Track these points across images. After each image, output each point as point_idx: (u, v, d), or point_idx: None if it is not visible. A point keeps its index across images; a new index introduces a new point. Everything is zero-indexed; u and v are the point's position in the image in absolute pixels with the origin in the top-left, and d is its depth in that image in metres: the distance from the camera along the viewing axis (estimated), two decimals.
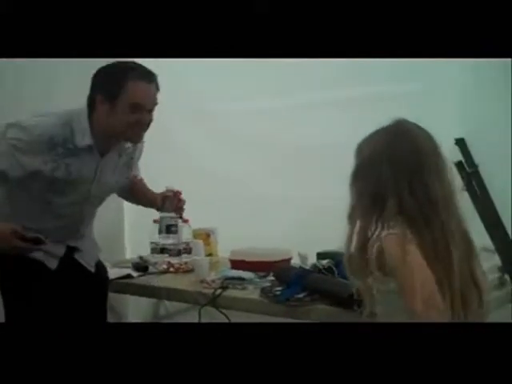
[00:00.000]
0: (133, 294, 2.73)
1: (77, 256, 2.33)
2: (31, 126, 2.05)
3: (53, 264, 2.25)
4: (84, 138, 2.09)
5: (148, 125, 2.14)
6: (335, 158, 2.43)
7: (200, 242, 2.89)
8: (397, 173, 1.52)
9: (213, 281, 2.44)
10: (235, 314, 2.31)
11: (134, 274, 2.72)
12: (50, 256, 2.24)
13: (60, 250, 2.28)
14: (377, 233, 1.55)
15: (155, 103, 2.13)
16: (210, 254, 2.92)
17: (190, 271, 2.72)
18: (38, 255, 2.19)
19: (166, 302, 3.11)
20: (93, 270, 2.38)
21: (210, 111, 3.20)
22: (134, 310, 3.27)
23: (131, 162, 2.33)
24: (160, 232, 2.37)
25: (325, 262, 2.28)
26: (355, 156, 1.64)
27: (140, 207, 3.33)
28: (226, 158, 3.13)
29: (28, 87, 2.78)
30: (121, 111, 2.06)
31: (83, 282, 2.34)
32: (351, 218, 1.59)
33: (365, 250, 1.55)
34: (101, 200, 2.34)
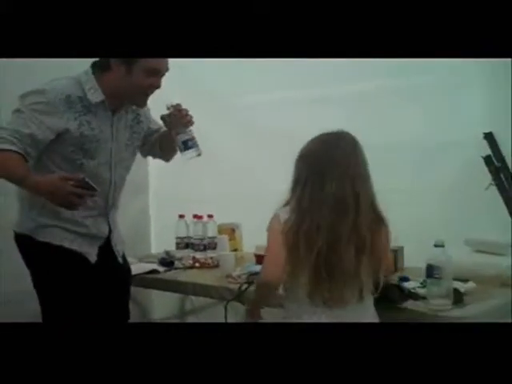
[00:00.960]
0: (159, 289, 2.74)
1: (112, 242, 2.34)
2: (47, 88, 2.13)
3: (92, 257, 2.27)
4: (96, 95, 2.18)
5: (157, 88, 2.24)
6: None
7: (225, 237, 2.90)
8: (307, 171, 1.87)
9: (238, 276, 2.44)
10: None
11: (160, 268, 2.74)
12: (92, 242, 2.27)
13: (104, 228, 2.31)
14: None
15: (168, 68, 2.22)
16: (234, 249, 2.93)
17: (215, 266, 2.73)
18: (79, 247, 2.23)
19: (192, 297, 3.12)
20: (121, 261, 2.40)
21: (231, 106, 3.20)
22: (159, 305, 3.29)
23: (139, 117, 2.39)
24: (181, 151, 2.32)
25: None
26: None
27: (165, 202, 3.39)
28: (250, 152, 3.13)
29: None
30: (136, 75, 2.16)
31: (113, 275, 2.35)
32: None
33: None
34: (126, 162, 2.36)
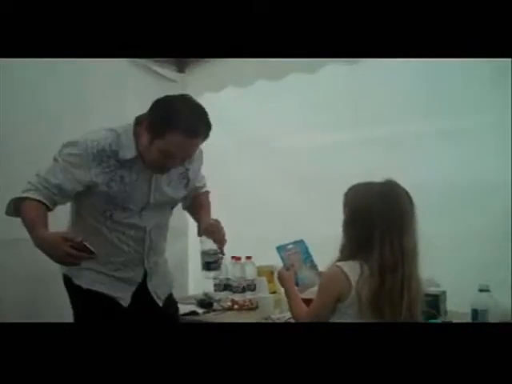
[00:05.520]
0: None
1: (149, 286, 2.33)
2: (82, 140, 2.13)
3: (125, 301, 2.27)
4: (128, 151, 2.15)
5: (175, 166, 2.19)
6: None
7: (264, 279, 2.89)
8: (383, 229, 1.78)
9: (278, 318, 2.42)
10: None
11: (199, 310, 2.74)
12: (125, 286, 2.27)
13: (138, 275, 2.30)
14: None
15: (190, 155, 2.17)
16: (273, 292, 2.91)
17: (253, 308, 2.73)
18: (110, 292, 2.24)
19: None
20: (161, 304, 2.36)
21: (270, 149, 3.23)
22: None
23: (187, 173, 2.33)
24: (202, 268, 2.34)
25: None
26: (346, 203, 1.87)
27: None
28: (290, 195, 3.14)
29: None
30: (154, 149, 2.10)
31: (151, 319, 2.32)
32: (341, 253, 1.86)
33: None
34: (164, 213, 2.34)
